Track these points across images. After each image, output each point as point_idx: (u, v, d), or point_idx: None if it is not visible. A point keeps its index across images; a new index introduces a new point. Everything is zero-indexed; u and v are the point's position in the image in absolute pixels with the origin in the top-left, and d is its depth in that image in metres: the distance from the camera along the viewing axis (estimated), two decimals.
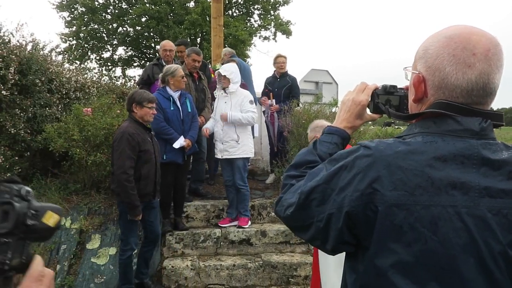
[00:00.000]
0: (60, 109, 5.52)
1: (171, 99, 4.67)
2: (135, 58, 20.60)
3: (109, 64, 20.08)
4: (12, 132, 4.70)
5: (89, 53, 19.40)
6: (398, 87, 1.25)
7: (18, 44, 5.18)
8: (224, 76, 4.92)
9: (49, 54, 5.89)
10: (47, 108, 5.25)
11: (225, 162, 5.04)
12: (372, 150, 1.00)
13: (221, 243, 4.93)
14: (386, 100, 1.25)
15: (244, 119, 4.91)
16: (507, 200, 0.92)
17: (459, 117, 0.99)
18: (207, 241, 4.90)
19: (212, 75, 6.07)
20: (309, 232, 1.10)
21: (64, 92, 5.72)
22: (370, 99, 1.29)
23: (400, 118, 1.19)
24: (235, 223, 5.10)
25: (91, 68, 9.34)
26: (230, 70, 4.97)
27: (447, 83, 0.99)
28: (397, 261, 0.93)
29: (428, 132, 1.01)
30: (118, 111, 5.23)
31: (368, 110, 1.31)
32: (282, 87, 6.40)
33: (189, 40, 17.59)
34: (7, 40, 5.07)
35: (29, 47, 5.41)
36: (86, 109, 5.08)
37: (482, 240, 0.91)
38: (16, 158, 4.82)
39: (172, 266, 4.52)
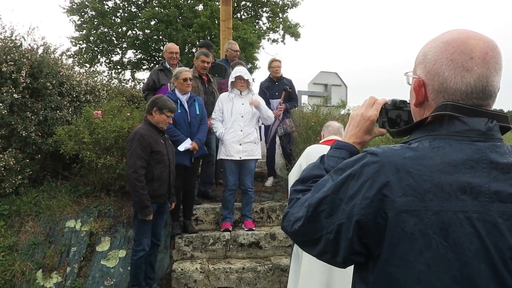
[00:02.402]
0: (70, 112, 5.56)
1: (179, 101, 4.70)
2: (144, 61, 20.70)
3: (118, 67, 20.19)
4: (23, 135, 4.74)
5: (98, 56, 19.54)
6: (407, 101, 1.24)
7: (29, 47, 5.23)
8: (247, 80, 4.99)
9: (60, 57, 5.94)
10: (58, 111, 5.28)
11: (234, 165, 5.00)
12: (380, 157, 0.99)
13: (230, 246, 4.92)
14: (396, 115, 1.24)
15: (266, 112, 5.12)
16: None
17: (465, 118, 0.98)
18: (217, 244, 4.89)
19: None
20: (318, 246, 1.08)
21: (74, 95, 5.76)
22: (379, 114, 1.28)
23: (403, 133, 1.17)
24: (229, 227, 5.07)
25: (101, 71, 9.38)
26: (248, 74, 5.08)
27: (447, 87, 1.00)
28: (409, 269, 0.92)
29: (435, 135, 1.00)
30: (128, 114, 5.25)
31: (377, 125, 1.31)
32: (281, 91, 6.39)
33: (198, 43, 17.67)
34: (18, 44, 5.12)
35: (40, 51, 5.46)
36: (96, 111, 5.11)
37: (493, 245, 0.89)
38: (27, 160, 4.87)
39: (181, 269, 4.52)
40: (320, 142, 3.80)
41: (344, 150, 1.30)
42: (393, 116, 1.24)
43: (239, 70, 5.01)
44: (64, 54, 6.24)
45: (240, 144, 4.92)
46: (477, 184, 0.92)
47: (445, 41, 1.02)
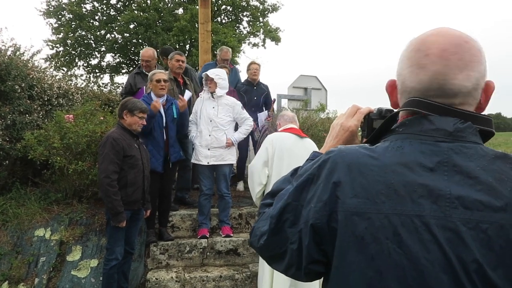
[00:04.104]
0: (41, 116, 5.36)
1: None
2: (123, 65, 20.41)
3: (97, 71, 19.88)
4: None
5: (76, 60, 19.18)
6: (394, 110, 1.15)
7: None
8: (212, 79, 4.80)
9: (30, 59, 5.73)
10: (27, 115, 5.08)
11: (207, 170, 4.87)
12: (334, 157, 0.94)
13: (208, 253, 4.79)
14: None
15: (245, 133, 5.00)
16: (487, 213, 0.80)
17: (433, 117, 0.90)
18: (193, 252, 4.76)
19: None
20: (285, 260, 0.99)
21: (46, 99, 5.56)
22: (362, 124, 1.20)
23: (374, 138, 1.07)
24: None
25: (79, 75, 9.18)
26: (219, 74, 4.86)
27: (405, 86, 0.97)
28: (360, 276, 0.84)
29: (399, 133, 0.94)
30: (102, 118, 5.09)
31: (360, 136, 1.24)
32: (260, 95, 6.37)
33: (178, 47, 17.50)
34: None
35: (9, 52, 5.26)
36: (67, 115, 4.92)
37: (455, 256, 0.79)
38: None
39: (156, 278, 4.37)
40: (280, 130, 4.02)
41: None
42: (378, 126, 1.15)
43: (210, 71, 4.89)
44: (35, 56, 6.02)
45: (209, 149, 4.79)
46: (435, 187, 0.83)
47: (411, 40, 0.99)
